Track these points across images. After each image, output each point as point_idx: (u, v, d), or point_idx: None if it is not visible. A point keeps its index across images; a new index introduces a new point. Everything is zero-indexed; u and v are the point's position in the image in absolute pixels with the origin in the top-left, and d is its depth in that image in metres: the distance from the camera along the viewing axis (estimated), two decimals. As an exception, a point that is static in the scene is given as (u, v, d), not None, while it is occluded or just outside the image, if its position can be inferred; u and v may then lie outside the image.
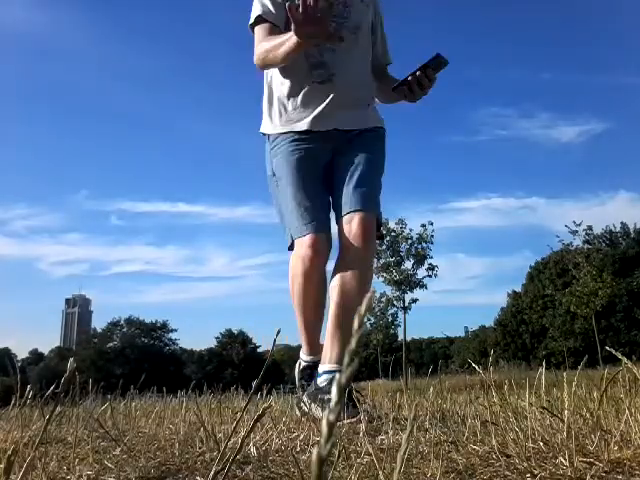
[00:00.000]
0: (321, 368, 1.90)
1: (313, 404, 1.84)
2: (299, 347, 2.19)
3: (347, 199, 2.01)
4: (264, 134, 2.18)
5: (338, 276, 1.96)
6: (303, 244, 1.98)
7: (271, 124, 2.14)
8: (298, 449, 1.17)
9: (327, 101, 2.04)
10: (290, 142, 2.06)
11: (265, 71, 2.15)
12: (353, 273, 1.95)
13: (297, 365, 2.20)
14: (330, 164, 2.11)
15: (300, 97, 2.06)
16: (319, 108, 2.04)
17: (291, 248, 2.06)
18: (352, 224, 1.98)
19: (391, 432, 1.22)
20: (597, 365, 15.12)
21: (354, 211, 1.99)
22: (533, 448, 0.97)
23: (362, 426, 1.25)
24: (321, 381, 1.86)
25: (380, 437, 1.26)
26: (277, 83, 2.12)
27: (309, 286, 2.03)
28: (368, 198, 2.03)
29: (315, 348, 2.11)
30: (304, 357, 2.16)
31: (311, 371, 2.08)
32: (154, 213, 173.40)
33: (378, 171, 2.14)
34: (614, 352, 1.08)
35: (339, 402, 0.28)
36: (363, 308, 0.32)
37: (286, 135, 2.08)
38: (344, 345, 1.88)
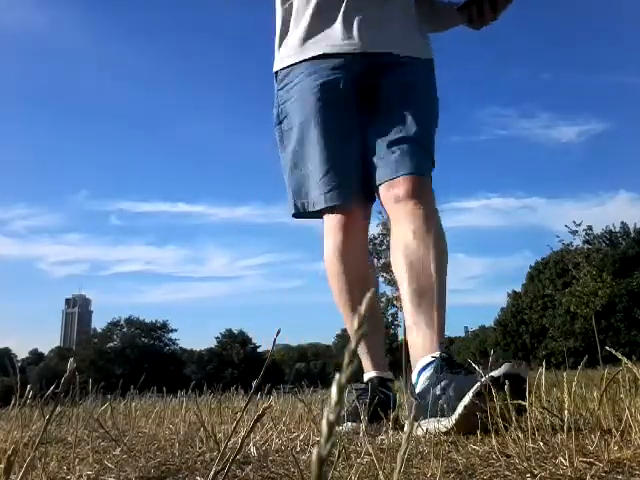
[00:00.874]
0: (419, 364, 1.39)
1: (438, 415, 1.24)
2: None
3: (387, 160, 1.56)
4: (275, 74, 1.78)
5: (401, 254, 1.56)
6: (333, 220, 1.62)
7: (279, 57, 1.75)
8: (298, 449, 1.17)
9: (342, 19, 1.64)
10: (303, 76, 1.65)
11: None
12: (422, 250, 1.51)
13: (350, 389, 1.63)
14: (359, 103, 1.66)
15: (309, 18, 1.68)
16: (333, 27, 1.65)
17: (297, 216, 1.70)
18: (398, 191, 1.52)
19: (391, 432, 1.22)
20: (597, 365, 15.13)
21: (401, 176, 1.54)
22: (533, 448, 0.97)
23: (362, 426, 1.25)
24: (428, 381, 1.32)
25: (380, 437, 1.26)
26: (284, 9, 1.76)
27: (354, 277, 1.64)
28: (418, 155, 1.56)
29: (378, 360, 1.70)
30: (367, 374, 1.69)
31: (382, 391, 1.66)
32: (154, 213, 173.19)
33: (430, 115, 1.67)
34: (614, 352, 1.08)
35: (339, 402, 0.28)
36: (363, 308, 0.32)
37: (297, 68, 1.68)
38: (440, 325, 1.45)
